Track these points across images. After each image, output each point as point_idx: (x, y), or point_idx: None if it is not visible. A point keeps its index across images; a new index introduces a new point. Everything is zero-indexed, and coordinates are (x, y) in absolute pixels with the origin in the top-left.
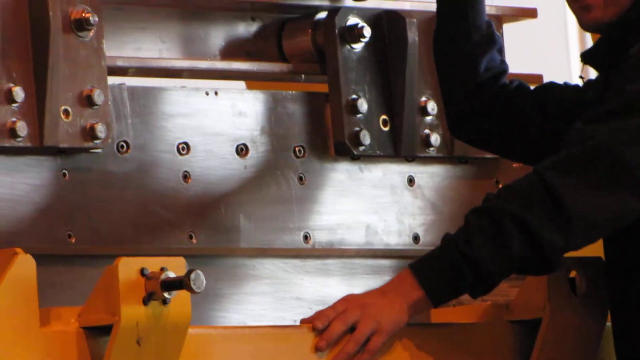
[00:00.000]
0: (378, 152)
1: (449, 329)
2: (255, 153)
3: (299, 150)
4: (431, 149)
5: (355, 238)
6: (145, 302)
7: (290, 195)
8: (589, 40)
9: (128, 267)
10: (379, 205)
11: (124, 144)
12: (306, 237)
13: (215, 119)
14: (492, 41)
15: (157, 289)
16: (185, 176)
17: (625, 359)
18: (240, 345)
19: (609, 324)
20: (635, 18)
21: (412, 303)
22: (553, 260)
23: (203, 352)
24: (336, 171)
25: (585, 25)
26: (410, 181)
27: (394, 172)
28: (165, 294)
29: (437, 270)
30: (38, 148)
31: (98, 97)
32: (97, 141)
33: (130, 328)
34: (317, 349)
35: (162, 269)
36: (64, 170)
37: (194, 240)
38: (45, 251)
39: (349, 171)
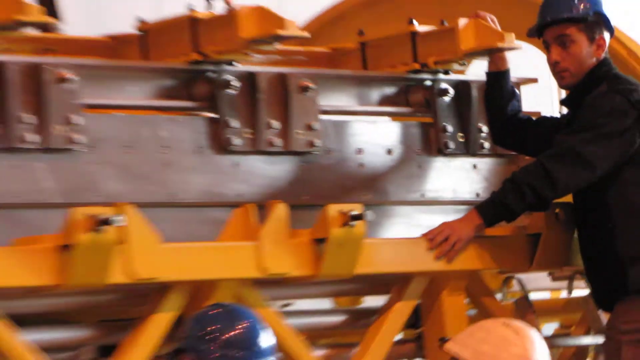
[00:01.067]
0: (457, 152)
1: (495, 238)
2: (397, 153)
3: (418, 151)
4: (485, 150)
5: (447, 195)
6: (343, 226)
7: (414, 174)
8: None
9: (334, 210)
10: (458, 178)
11: (330, 149)
12: (422, 195)
13: (377, 135)
14: (514, 96)
15: (348, 220)
16: (361, 165)
17: (582, 251)
18: (391, 247)
19: (576, 235)
20: (588, 81)
21: (476, 225)
22: (547, 204)
23: (372, 252)
24: (436, 162)
25: (561, 86)
26: (474, 166)
27: (466, 162)
28: (352, 222)
29: (488, 209)
30: (285, 152)
31: (315, 125)
32: (316, 147)
33: (337, 239)
34: (429, 249)
35: (350, 210)
36: (301, 163)
37: (366, 197)
38: (292, 203)
39: (443, 162)
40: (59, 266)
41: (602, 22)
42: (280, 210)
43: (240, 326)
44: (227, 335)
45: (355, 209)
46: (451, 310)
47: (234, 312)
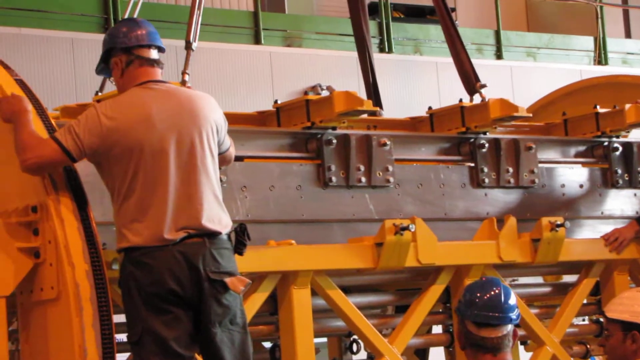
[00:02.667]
0: (624, 185)
1: None
2: (586, 187)
3: (599, 185)
4: None
5: (617, 212)
6: (551, 231)
7: (596, 200)
8: None
9: (545, 221)
10: (624, 202)
11: (544, 184)
12: (602, 212)
13: (573, 176)
14: None
15: (554, 227)
16: (563, 194)
17: None
18: (581, 244)
19: None
20: None
21: (636, 230)
22: None
23: (569, 247)
24: (610, 192)
25: None
26: (635, 194)
27: (629, 192)
28: (556, 229)
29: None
30: (516, 186)
31: (535, 170)
32: (535, 183)
33: (547, 239)
34: (606, 245)
35: (556, 221)
36: (526, 193)
37: (566, 214)
38: (519, 218)
39: (615, 192)
40: (375, 256)
41: None
42: (512, 222)
43: (492, 292)
44: (482, 299)
45: (559, 220)
46: (619, 284)
47: (488, 283)
